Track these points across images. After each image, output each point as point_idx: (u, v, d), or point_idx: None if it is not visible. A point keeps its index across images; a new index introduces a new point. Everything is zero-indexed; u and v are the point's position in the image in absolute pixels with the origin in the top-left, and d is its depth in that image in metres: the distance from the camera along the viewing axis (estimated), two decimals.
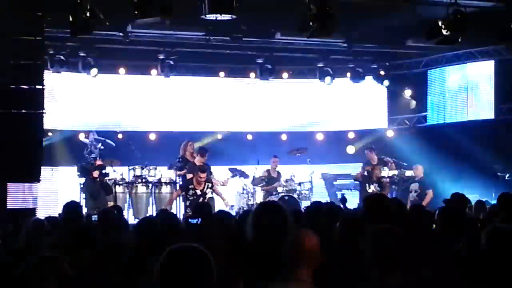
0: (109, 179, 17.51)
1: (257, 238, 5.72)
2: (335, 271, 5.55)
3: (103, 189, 17.16)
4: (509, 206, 8.81)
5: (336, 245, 6.35)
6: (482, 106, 20.85)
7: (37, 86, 14.22)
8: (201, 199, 16.45)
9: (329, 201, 17.04)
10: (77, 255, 6.10)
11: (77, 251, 6.27)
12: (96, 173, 17.15)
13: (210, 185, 16.93)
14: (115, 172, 18.06)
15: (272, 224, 5.74)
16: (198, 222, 8.18)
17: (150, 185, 17.82)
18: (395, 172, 20.08)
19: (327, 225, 7.30)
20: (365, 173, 18.97)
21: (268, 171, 19.22)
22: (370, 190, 18.45)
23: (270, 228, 5.67)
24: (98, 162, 17.52)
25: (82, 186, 17.45)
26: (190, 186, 16.74)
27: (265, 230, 5.69)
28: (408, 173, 19.96)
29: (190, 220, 8.49)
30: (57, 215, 13.29)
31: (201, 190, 16.68)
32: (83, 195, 17.32)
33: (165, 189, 17.90)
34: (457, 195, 10.59)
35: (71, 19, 13.70)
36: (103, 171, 17.29)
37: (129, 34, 18.59)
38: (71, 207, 9.77)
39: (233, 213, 16.03)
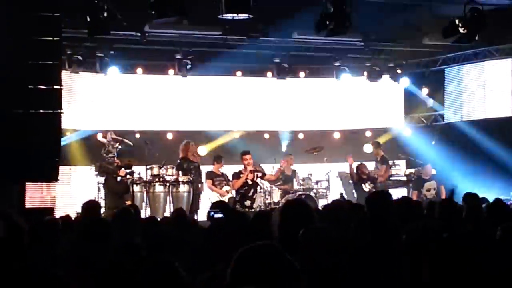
0: (126, 178, 17.59)
1: (283, 235, 5.74)
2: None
3: (123, 188, 17.28)
4: None
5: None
6: (499, 104, 20.79)
7: (55, 86, 14.28)
8: (251, 191, 16.87)
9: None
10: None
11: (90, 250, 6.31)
12: (123, 172, 17.27)
13: (259, 174, 17.21)
14: (133, 171, 18.13)
15: (298, 221, 5.75)
16: (222, 217, 8.21)
17: (168, 184, 17.82)
18: (412, 170, 20.09)
19: (347, 222, 7.31)
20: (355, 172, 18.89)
21: (283, 169, 19.16)
22: (366, 189, 18.46)
23: (296, 225, 5.67)
24: (116, 162, 17.60)
25: (103, 185, 17.51)
26: (241, 175, 17.01)
27: (291, 227, 5.69)
28: None
29: (213, 214, 8.53)
30: (74, 214, 13.43)
31: (252, 180, 16.97)
32: (102, 194, 17.40)
33: (183, 188, 17.87)
34: (469, 195, 10.62)
35: (88, 19, 13.80)
36: (128, 170, 17.42)
37: (147, 34, 18.66)
38: (90, 207, 9.84)
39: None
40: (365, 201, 7.64)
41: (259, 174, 17.27)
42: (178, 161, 18.11)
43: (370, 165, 19.94)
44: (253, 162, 17.44)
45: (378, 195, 7.68)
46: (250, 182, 17.04)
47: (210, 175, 18.25)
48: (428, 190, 18.83)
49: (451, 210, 8.30)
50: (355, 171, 18.78)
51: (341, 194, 17.17)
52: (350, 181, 19.78)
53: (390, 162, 20.18)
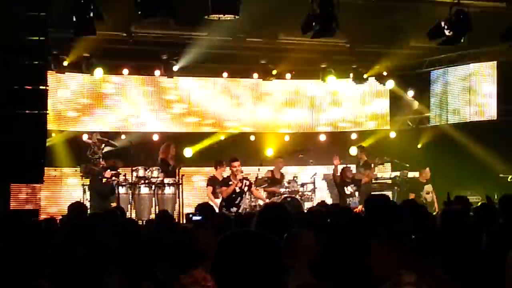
0: (112, 180, 17.53)
1: None
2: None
3: (109, 190, 17.23)
4: (510, 208, 8.76)
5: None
6: (484, 107, 20.86)
7: (41, 87, 14.22)
8: (238, 198, 16.68)
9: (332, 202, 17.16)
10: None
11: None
12: (108, 173, 17.22)
13: (247, 182, 17.08)
14: (119, 173, 18.07)
15: (275, 225, 5.76)
16: (200, 220, 8.21)
17: (153, 186, 17.78)
18: (397, 173, 20.15)
19: (333, 225, 7.31)
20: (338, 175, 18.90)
21: (272, 171, 19.19)
22: (348, 192, 18.49)
23: (273, 228, 5.69)
24: (102, 163, 17.55)
25: (89, 186, 17.46)
26: (230, 182, 16.87)
27: (266, 227, 5.71)
28: (410, 174, 20.01)
29: (192, 217, 8.53)
30: (59, 216, 13.35)
31: (240, 188, 16.85)
32: (88, 196, 17.33)
33: (168, 190, 17.85)
34: (459, 198, 10.65)
35: (74, 19, 13.73)
36: (114, 172, 17.37)
37: (133, 34, 18.63)
38: (77, 208, 9.80)
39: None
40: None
41: (247, 183, 17.20)
42: (160, 162, 18.07)
43: (354, 168, 19.97)
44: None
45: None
46: (238, 190, 16.95)
47: (212, 182, 18.01)
48: (428, 193, 18.88)
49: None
50: (339, 173, 18.76)
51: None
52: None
53: (379, 161, 20.22)
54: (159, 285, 5.55)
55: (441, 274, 5.34)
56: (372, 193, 16.43)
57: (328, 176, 20.52)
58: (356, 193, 18.59)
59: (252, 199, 18.37)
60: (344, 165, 19.03)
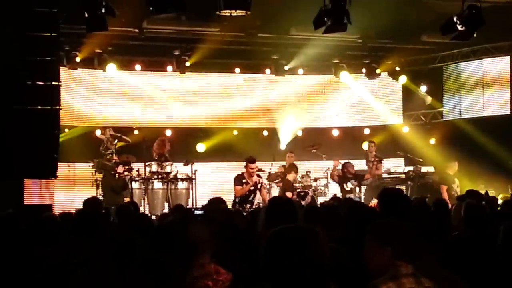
0: (124, 175, 17.58)
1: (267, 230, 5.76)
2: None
3: (122, 185, 17.29)
4: None
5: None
6: (497, 102, 20.80)
7: (53, 82, 14.29)
8: (252, 195, 16.61)
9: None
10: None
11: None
12: (121, 168, 17.26)
13: (260, 180, 17.00)
14: (132, 168, 18.13)
15: (282, 218, 5.77)
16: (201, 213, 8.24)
17: (166, 181, 17.83)
18: (411, 168, 20.08)
19: (346, 219, 7.30)
20: (339, 172, 18.87)
21: (284, 166, 19.22)
22: (348, 188, 18.45)
23: (280, 221, 5.69)
24: (114, 158, 17.60)
25: (101, 181, 17.50)
26: (243, 180, 16.81)
27: (274, 223, 5.72)
28: (424, 169, 19.95)
29: (195, 211, 8.56)
30: (73, 211, 13.41)
31: (253, 185, 16.77)
32: (101, 191, 17.38)
33: (181, 185, 17.89)
34: (471, 192, 10.62)
35: (86, 15, 13.75)
36: (126, 167, 17.42)
37: (145, 30, 18.65)
38: (92, 203, 9.84)
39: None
40: None
41: (261, 180, 17.14)
42: (157, 157, 18.08)
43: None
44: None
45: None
46: (251, 188, 16.90)
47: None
48: (458, 186, 18.75)
49: None
50: (340, 170, 18.70)
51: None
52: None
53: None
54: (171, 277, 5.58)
55: (438, 266, 5.37)
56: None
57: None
58: (357, 189, 18.54)
59: (265, 193, 18.36)
60: (346, 161, 18.98)
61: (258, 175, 17.15)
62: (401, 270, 4.62)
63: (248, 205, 16.65)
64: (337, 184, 18.87)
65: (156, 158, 18.08)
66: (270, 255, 3.65)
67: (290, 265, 3.57)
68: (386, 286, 4.52)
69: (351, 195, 18.00)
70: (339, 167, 18.76)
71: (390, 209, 6.67)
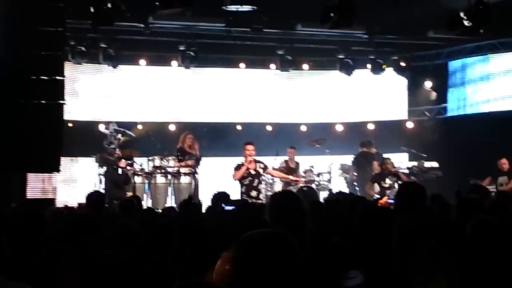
0: (127, 169, 17.58)
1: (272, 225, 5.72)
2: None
3: (124, 179, 17.28)
4: None
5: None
6: (503, 98, 20.75)
7: (58, 77, 14.28)
8: (256, 181, 16.50)
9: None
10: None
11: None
12: (123, 163, 17.25)
13: (262, 165, 16.87)
14: (135, 162, 18.12)
15: (287, 212, 5.73)
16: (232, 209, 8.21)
17: (169, 175, 17.80)
18: (415, 163, 20.03)
19: (347, 215, 7.27)
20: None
21: (286, 161, 19.19)
22: (386, 185, 18.34)
23: (284, 215, 5.65)
24: (118, 153, 17.58)
25: (104, 175, 17.48)
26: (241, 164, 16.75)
27: (279, 218, 5.68)
28: (427, 164, 19.89)
29: (224, 206, 8.53)
30: (75, 205, 13.42)
31: (254, 170, 16.62)
32: (103, 185, 17.36)
33: (184, 180, 17.86)
34: (476, 187, 10.58)
35: (92, 10, 13.74)
36: (129, 161, 17.41)
37: (150, 26, 18.63)
38: (95, 198, 9.83)
39: None
40: None
41: (261, 165, 17.03)
42: (177, 151, 18.07)
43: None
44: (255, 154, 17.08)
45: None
46: (253, 172, 16.71)
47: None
48: (501, 185, 18.50)
49: None
50: (379, 167, 18.59)
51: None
52: (355, 173, 19.81)
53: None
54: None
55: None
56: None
57: (345, 166, 20.49)
58: (396, 185, 18.17)
59: (268, 188, 18.33)
60: (386, 158, 18.82)
61: (259, 161, 16.92)
62: None
63: (255, 192, 16.47)
64: (374, 181, 18.59)
65: (177, 153, 18.03)
66: (238, 266, 3.39)
67: (259, 276, 3.32)
68: None
69: (388, 192, 17.67)
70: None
71: (408, 204, 6.55)
